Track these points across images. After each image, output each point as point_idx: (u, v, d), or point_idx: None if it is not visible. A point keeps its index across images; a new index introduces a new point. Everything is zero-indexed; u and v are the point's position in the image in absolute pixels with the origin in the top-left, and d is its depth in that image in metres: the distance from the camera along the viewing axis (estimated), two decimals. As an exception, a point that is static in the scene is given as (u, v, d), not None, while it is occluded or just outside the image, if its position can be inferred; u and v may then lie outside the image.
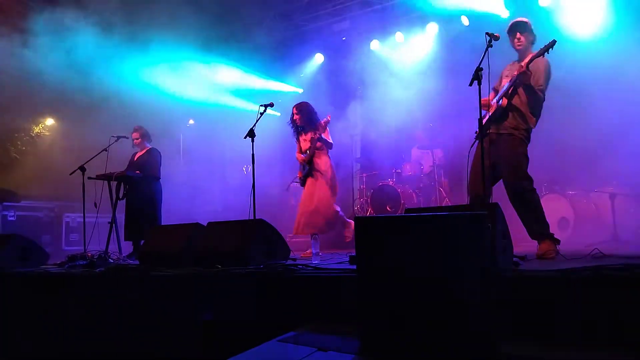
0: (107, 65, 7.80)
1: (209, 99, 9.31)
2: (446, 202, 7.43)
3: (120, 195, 6.32)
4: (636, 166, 5.71)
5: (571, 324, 2.25)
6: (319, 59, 9.50)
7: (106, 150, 6.30)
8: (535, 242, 3.93)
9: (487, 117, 4.20)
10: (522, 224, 4.01)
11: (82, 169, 6.09)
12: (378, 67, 8.56)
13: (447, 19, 7.96)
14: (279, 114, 9.70)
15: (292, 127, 5.95)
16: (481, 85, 3.80)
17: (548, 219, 3.97)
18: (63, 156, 8.24)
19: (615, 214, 5.83)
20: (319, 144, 5.65)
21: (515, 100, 4.04)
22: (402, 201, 7.39)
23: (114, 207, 6.25)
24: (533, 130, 4.11)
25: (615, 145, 5.92)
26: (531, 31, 4.13)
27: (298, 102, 6.00)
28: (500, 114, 4.09)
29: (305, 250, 5.60)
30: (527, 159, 4.02)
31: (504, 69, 4.33)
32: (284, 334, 2.67)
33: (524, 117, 4.02)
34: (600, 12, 6.38)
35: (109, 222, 6.23)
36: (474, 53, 4.32)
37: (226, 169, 9.83)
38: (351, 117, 8.70)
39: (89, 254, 5.38)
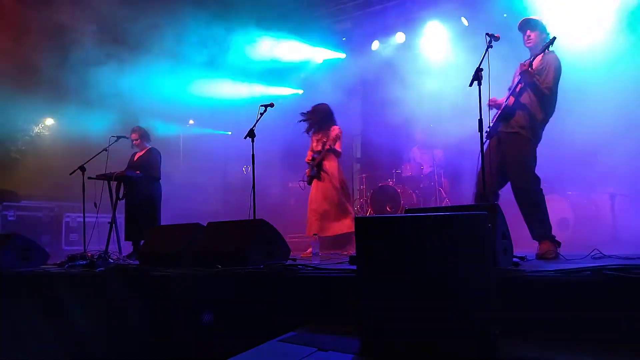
0: (107, 65, 7.80)
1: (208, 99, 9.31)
2: (446, 203, 7.43)
3: (120, 196, 6.32)
4: (636, 167, 5.71)
5: (571, 324, 2.26)
6: (319, 59, 9.51)
7: (106, 150, 6.30)
8: (535, 242, 3.93)
9: (497, 116, 4.22)
10: (523, 224, 4.01)
11: (82, 169, 6.09)
12: (378, 67, 8.57)
13: (448, 19, 7.97)
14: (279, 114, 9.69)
15: (307, 124, 6.09)
16: (481, 86, 3.81)
17: (548, 220, 3.97)
18: (63, 156, 8.23)
19: (615, 214, 5.83)
20: (328, 145, 5.77)
21: (524, 99, 4.03)
22: (402, 201, 7.39)
23: (114, 207, 6.25)
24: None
25: (615, 146, 5.92)
26: (542, 29, 4.11)
27: (318, 103, 6.14)
28: (508, 112, 4.09)
29: (305, 250, 5.60)
30: (535, 158, 4.00)
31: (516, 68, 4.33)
32: (284, 334, 2.67)
33: (532, 116, 4.00)
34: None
35: (108, 222, 6.23)
36: (474, 53, 4.33)
37: (226, 169, 9.84)
38: (351, 117, 8.71)
39: (89, 254, 5.38)
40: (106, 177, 6.18)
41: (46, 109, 9.63)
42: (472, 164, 5.06)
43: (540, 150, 4.08)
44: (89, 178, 6.13)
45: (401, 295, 2.12)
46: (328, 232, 5.68)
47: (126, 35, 7.58)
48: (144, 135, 6.64)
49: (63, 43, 7.37)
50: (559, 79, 4.00)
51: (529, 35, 4.12)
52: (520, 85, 4.06)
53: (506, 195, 4.10)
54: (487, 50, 3.92)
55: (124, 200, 6.37)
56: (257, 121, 5.19)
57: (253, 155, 5.11)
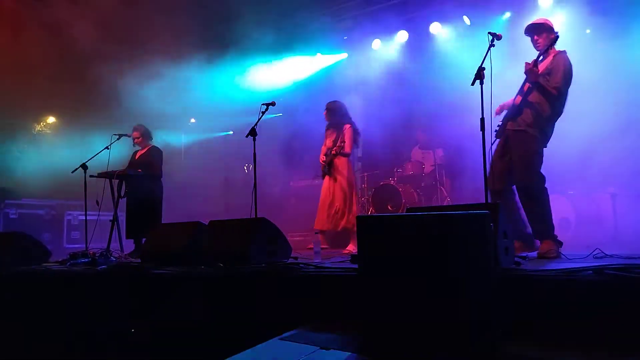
0: (109, 63, 7.81)
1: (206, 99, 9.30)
2: (447, 202, 7.43)
3: (122, 194, 6.33)
4: (638, 166, 5.71)
5: (572, 324, 2.26)
6: (320, 58, 9.50)
7: (108, 149, 6.31)
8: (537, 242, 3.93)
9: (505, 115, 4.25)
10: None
11: (84, 167, 6.10)
12: (380, 66, 8.56)
13: (449, 18, 7.96)
14: (280, 114, 9.71)
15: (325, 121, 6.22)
16: (483, 85, 3.81)
17: (549, 219, 3.96)
18: (65, 154, 8.25)
19: (617, 213, 5.82)
20: (334, 150, 5.90)
21: (532, 97, 4.03)
22: (404, 200, 7.39)
23: (116, 205, 6.26)
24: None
25: (617, 145, 5.92)
26: (550, 30, 4.10)
27: (332, 100, 6.21)
28: (515, 111, 4.10)
29: (308, 248, 5.62)
30: (540, 156, 4.00)
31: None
32: (286, 332, 2.67)
33: (540, 114, 4.00)
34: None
35: (110, 220, 6.24)
36: (476, 52, 4.33)
37: (228, 167, 9.84)
38: (353, 116, 8.69)
39: (91, 252, 5.38)
40: (108, 175, 6.19)
41: (48, 106, 9.65)
42: (473, 162, 5.06)
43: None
44: (91, 176, 6.14)
45: (402, 294, 2.12)
46: (334, 228, 5.81)
47: (128, 33, 7.58)
48: (145, 133, 6.64)
49: (65, 40, 7.37)
50: (569, 80, 3.99)
51: (536, 40, 4.13)
52: (527, 84, 4.06)
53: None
54: (489, 49, 3.92)
55: (125, 199, 6.38)
56: (259, 120, 5.19)
57: (255, 153, 5.11)
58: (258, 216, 4.60)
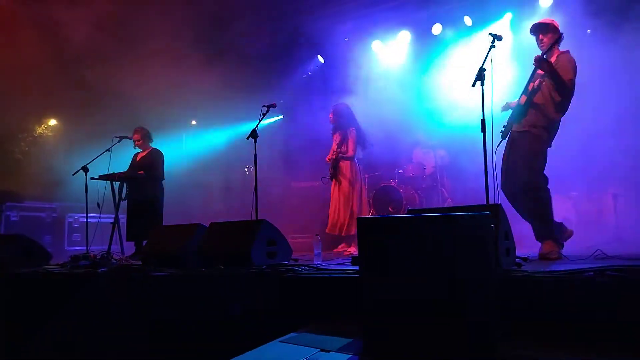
0: (111, 66, 7.81)
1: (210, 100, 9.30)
2: (448, 203, 7.43)
3: (123, 196, 6.33)
4: (638, 167, 5.70)
5: (573, 325, 2.25)
6: (321, 59, 9.50)
7: (109, 151, 6.32)
8: (538, 244, 3.92)
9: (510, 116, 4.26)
10: (526, 223, 4.00)
11: (85, 169, 6.11)
12: (380, 67, 8.56)
13: (450, 19, 7.95)
14: (281, 116, 9.71)
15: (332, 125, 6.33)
16: (484, 86, 3.80)
17: (550, 220, 3.96)
18: (66, 157, 8.26)
19: (618, 214, 5.81)
20: (335, 154, 6.05)
21: (537, 98, 4.03)
22: (404, 202, 7.38)
23: (117, 207, 6.27)
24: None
25: (618, 146, 5.91)
26: (555, 30, 4.10)
27: (338, 103, 6.37)
28: (520, 111, 4.11)
29: (309, 250, 5.63)
30: (544, 156, 4.00)
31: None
32: (286, 334, 2.67)
33: (545, 114, 4.00)
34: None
35: (111, 223, 6.24)
36: (477, 53, 4.33)
37: (228, 169, 9.83)
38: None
39: (92, 255, 5.38)
40: (109, 177, 6.20)
41: (49, 109, 9.66)
42: (474, 164, 5.05)
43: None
44: (92, 178, 6.15)
45: (403, 296, 2.11)
46: (341, 232, 5.93)
47: (129, 34, 7.58)
48: (146, 135, 6.65)
49: (66, 42, 7.37)
50: (575, 75, 3.98)
51: (542, 39, 4.13)
52: (532, 84, 4.05)
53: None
54: (490, 50, 3.92)
55: (126, 201, 6.39)
56: (260, 121, 5.19)
57: (255, 155, 5.11)
58: (259, 218, 4.60)
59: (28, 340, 4.47)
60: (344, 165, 6.03)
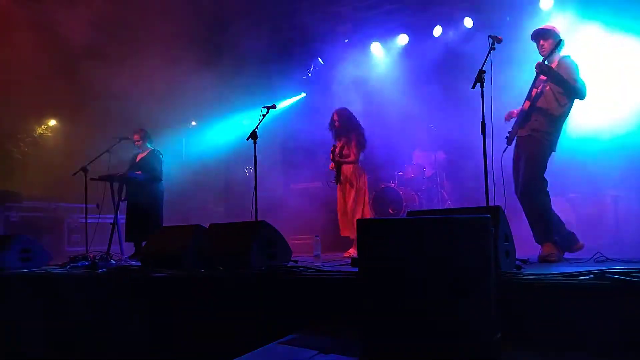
0: (111, 66, 7.81)
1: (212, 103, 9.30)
2: (448, 205, 7.42)
3: (122, 197, 6.33)
4: (639, 168, 5.69)
5: (573, 328, 2.24)
6: (321, 61, 9.50)
7: (108, 152, 6.32)
8: (538, 246, 3.92)
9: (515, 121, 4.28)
10: (528, 227, 4.00)
11: (85, 170, 6.10)
12: (380, 69, 8.55)
13: (450, 20, 7.95)
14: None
15: (331, 131, 6.31)
16: (484, 88, 3.81)
17: (550, 222, 3.95)
18: (65, 157, 8.25)
19: (618, 217, 5.80)
20: (337, 158, 6.11)
21: (541, 103, 4.04)
22: (404, 203, 7.37)
23: (116, 208, 6.26)
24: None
25: (618, 147, 5.91)
26: (555, 36, 4.11)
27: (340, 107, 6.33)
28: (524, 117, 4.13)
29: (310, 252, 5.62)
30: (545, 160, 4.02)
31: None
32: (285, 336, 2.66)
33: (548, 119, 4.01)
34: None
35: (111, 223, 6.23)
36: (477, 55, 4.33)
37: (228, 170, 9.83)
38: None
39: (91, 255, 5.38)
40: (108, 178, 6.19)
41: (49, 109, 9.66)
42: (474, 165, 5.05)
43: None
44: (91, 179, 6.14)
45: (403, 298, 2.11)
46: (350, 234, 5.98)
47: (130, 35, 7.59)
48: (146, 136, 6.64)
49: (67, 43, 7.37)
50: (579, 76, 4.00)
51: (542, 45, 4.13)
52: (535, 90, 4.06)
53: (509, 197, 4.09)
54: (489, 52, 3.92)
55: (125, 202, 6.38)
56: (260, 122, 5.19)
57: (255, 156, 5.11)
58: (258, 219, 4.59)
59: (28, 340, 4.46)
60: (347, 169, 6.08)
